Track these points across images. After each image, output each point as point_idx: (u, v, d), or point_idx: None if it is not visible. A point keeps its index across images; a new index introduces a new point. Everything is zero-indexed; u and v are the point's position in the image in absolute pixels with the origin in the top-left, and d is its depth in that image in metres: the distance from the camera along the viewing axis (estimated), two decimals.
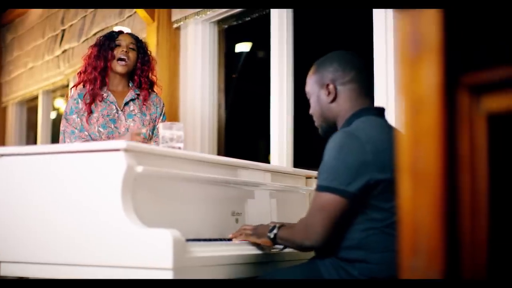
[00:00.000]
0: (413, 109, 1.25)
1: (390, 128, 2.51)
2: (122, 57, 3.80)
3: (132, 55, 3.85)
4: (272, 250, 2.80)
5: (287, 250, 2.78)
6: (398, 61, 1.28)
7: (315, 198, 2.41)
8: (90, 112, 3.71)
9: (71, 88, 3.92)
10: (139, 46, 3.93)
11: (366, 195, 2.33)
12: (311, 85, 2.62)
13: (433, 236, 1.21)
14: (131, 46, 3.86)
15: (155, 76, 4.00)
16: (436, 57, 1.22)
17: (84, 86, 3.81)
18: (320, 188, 2.39)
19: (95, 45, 3.88)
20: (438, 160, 1.21)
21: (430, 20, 1.24)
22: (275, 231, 2.58)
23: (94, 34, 6.04)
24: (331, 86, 2.53)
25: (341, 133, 2.41)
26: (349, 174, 2.32)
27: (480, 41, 1.27)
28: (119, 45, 3.83)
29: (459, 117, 1.22)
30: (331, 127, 2.59)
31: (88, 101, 3.72)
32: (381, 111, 2.57)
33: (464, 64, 1.24)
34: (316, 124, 2.67)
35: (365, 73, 2.58)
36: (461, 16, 1.26)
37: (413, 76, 1.25)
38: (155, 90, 4.00)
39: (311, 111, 2.66)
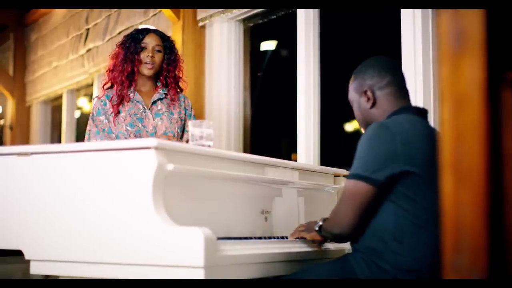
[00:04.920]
0: (455, 105, 1.24)
1: (429, 128, 2.56)
2: (148, 61, 3.78)
3: (158, 57, 3.80)
4: (306, 249, 2.81)
5: (323, 247, 2.86)
6: (439, 58, 1.27)
7: (345, 186, 2.50)
8: (118, 113, 3.71)
9: (102, 87, 3.89)
10: (166, 45, 3.86)
11: (395, 184, 2.38)
12: (351, 93, 2.71)
13: (476, 234, 1.19)
14: (157, 48, 3.80)
15: (182, 72, 3.95)
16: (479, 53, 1.21)
17: (112, 86, 3.81)
18: (348, 176, 2.47)
19: (121, 45, 3.84)
20: (482, 157, 1.19)
21: (472, 17, 1.22)
22: (320, 222, 2.67)
23: (119, 33, 6.06)
24: (369, 93, 2.61)
25: (374, 125, 2.48)
26: (377, 162, 2.38)
27: None
28: (145, 48, 3.79)
29: (502, 113, 1.21)
30: None
31: (115, 102, 3.72)
32: (422, 112, 2.61)
33: (507, 60, 1.23)
34: (362, 129, 2.75)
35: (400, 75, 2.65)
36: (503, 13, 1.25)
37: (455, 72, 1.24)
38: (181, 87, 3.97)
39: (356, 118, 2.74)
